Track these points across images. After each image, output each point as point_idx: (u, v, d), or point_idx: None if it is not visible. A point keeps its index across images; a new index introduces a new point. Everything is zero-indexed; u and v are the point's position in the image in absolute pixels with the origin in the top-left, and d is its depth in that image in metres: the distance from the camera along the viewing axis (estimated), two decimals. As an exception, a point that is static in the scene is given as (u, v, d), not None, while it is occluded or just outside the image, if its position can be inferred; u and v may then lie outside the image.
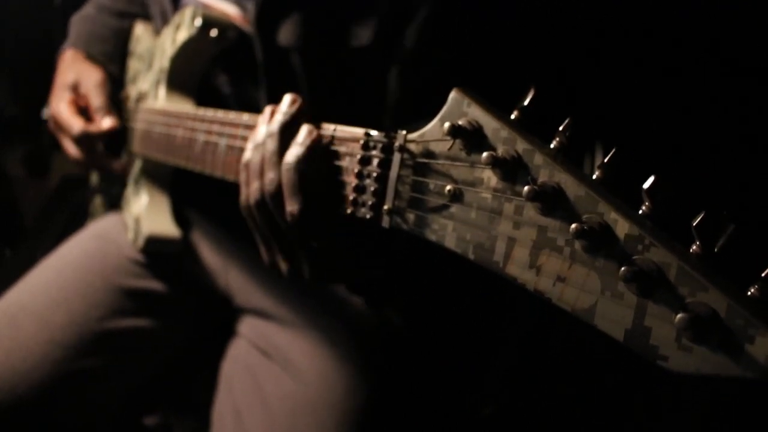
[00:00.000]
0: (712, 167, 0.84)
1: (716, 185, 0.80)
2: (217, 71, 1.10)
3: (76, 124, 1.12)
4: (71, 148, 1.18)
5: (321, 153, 0.61)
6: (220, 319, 1.14)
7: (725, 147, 0.87)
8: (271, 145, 0.64)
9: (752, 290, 0.38)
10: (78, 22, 1.27)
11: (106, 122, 1.13)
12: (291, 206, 0.61)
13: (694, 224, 0.39)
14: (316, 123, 0.64)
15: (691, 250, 0.40)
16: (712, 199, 0.44)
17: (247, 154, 0.68)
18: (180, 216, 1.14)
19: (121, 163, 1.20)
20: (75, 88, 1.18)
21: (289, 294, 1.07)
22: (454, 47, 0.91)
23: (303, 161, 0.60)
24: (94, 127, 1.13)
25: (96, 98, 1.16)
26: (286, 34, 0.92)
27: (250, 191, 0.68)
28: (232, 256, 1.13)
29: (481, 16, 0.90)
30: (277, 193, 0.64)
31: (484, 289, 1.16)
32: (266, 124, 0.67)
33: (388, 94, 0.92)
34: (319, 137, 0.62)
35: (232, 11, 1.02)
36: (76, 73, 1.19)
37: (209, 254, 1.14)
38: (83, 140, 1.13)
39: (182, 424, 1.26)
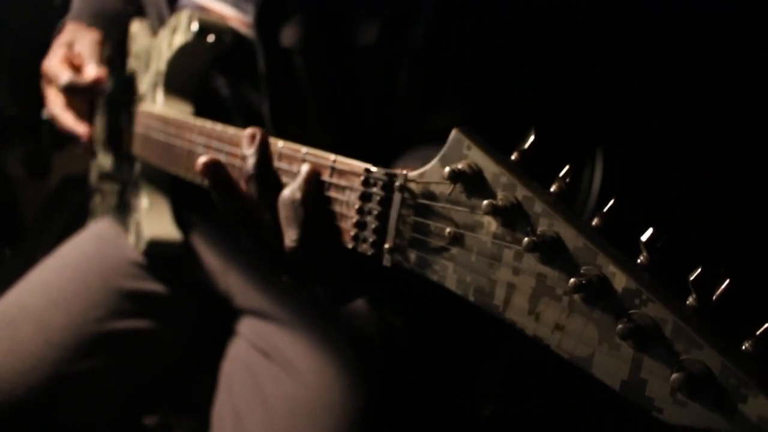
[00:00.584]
0: (709, 218, 0.85)
1: (714, 237, 0.81)
2: (215, 73, 1.09)
3: (64, 73, 1.11)
4: (53, 103, 1.16)
5: (318, 186, 0.62)
6: (220, 320, 1.15)
7: (723, 196, 0.88)
8: (255, 190, 0.66)
9: (746, 345, 0.39)
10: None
11: (93, 71, 1.11)
12: (288, 239, 0.62)
13: (691, 279, 0.40)
14: (315, 150, 0.64)
15: (687, 303, 0.41)
16: (708, 251, 0.44)
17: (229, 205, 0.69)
18: (179, 218, 1.14)
19: (87, 131, 1.18)
20: (70, 46, 1.17)
21: (289, 295, 1.08)
22: (460, 44, 0.90)
23: (299, 194, 0.61)
24: (81, 78, 1.11)
25: (88, 51, 1.15)
26: (289, 35, 0.91)
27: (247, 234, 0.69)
28: (232, 258, 1.14)
29: (488, 13, 0.89)
30: (276, 231, 0.64)
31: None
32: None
33: (395, 94, 0.92)
34: (316, 171, 0.62)
35: (229, 13, 1.01)
36: (72, 34, 1.19)
37: (209, 256, 1.15)
38: (68, 92, 1.12)
39: (182, 424, 1.27)
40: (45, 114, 1.19)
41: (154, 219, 1.10)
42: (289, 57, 0.93)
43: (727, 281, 0.40)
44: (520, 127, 0.49)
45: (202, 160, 0.68)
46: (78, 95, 1.14)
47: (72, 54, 1.16)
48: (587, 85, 1.04)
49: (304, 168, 0.61)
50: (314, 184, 0.61)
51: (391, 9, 0.87)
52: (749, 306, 0.41)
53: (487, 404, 1.30)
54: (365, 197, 0.56)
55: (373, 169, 0.56)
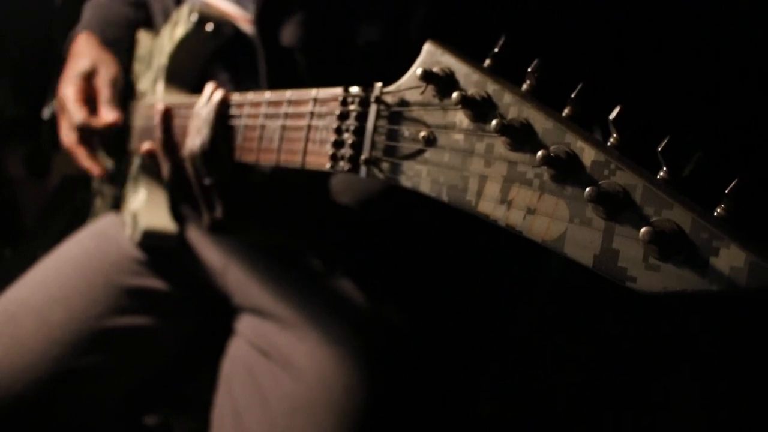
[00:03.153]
0: (679, 97, 0.84)
1: (685, 115, 0.80)
2: (218, 70, 1.11)
3: (79, 113, 1.11)
4: (66, 135, 1.18)
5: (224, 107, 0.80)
6: (219, 317, 1.14)
7: (693, 73, 0.87)
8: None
9: (718, 210, 0.38)
10: (91, 7, 1.28)
11: (110, 115, 1.12)
12: (191, 142, 0.79)
13: (660, 149, 0.40)
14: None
15: (658, 177, 0.40)
16: (680, 128, 0.44)
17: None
18: (179, 214, 1.15)
19: (101, 169, 1.20)
20: (88, 77, 1.17)
21: (288, 293, 1.07)
22: (461, 38, 0.91)
23: (207, 110, 0.80)
24: (96, 121, 1.12)
25: (105, 91, 1.15)
26: (289, 34, 0.92)
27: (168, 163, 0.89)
28: (231, 255, 1.13)
29: (486, 9, 0.91)
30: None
31: (484, 286, 1.16)
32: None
33: None
34: (225, 96, 0.81)
35: (233, 11, 1.04)
36: (92, 61, 1.18)
37: (208, 253, 1.15)
38: (81, 131, 1.13)
39: (182, 423, 1.25)
40: (45, 114, 1.22)
41: (151, 211, 1.11)
42: (289, 55, 0.94)
43: (698, 153, 0.39)
44: None
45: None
46: (91, 134, 1.16)
47: (89, 87, 1.17)
48: (587, 81, 1.05)
49: (217, 94, 0.82)
50: (222, 104, 0.80)
51: (390, 6, 0.88)
52: (722, 180, 0.40)
53: (487, 404, 1.26)
54: (343, 116, 0.56)
55: (352, 89, 0.56)
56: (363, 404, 0.95)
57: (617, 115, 0.42)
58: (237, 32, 1.02)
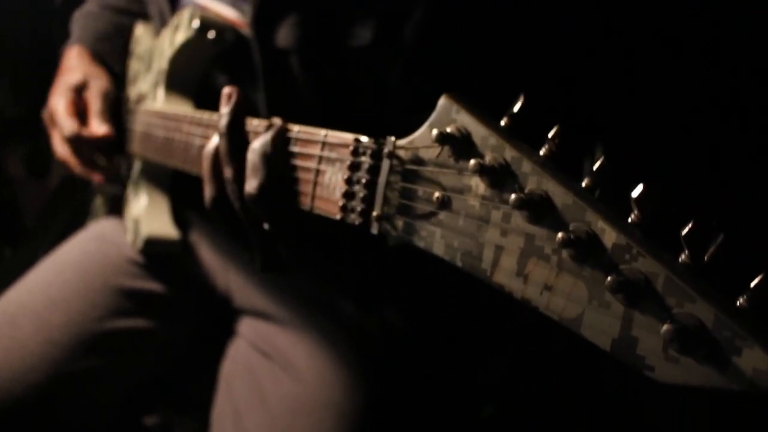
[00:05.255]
0: (703, 174, 0.83)
1: (707, 193, 0.79)
2: (216, 72, 1.10)
3: (69, 125, 1.11)
4: (59, 147, 1.17)
5: (284, 142, 0.67)
6: (220, 319, 1.14)
7: (718, 153, 0.87)
8: (224, 145, 0.71)
9: (741, 301, 0.38)
10: (81, 19, 1.27)
11: (101, 128, 1.11)
12: (250, 185, 0.66)
13: (683, 233, 0.39)
14: (305, 125, 0.65)
15: (679, 260, 0.39)
16: (702, 207, 0.43)
17: (205, 161, 0.74)
18: (180, 216, 1.14)
19: (101, 176, 1.19)
20: (79, 90, 1.16)
21: (289, 295, 1.07)
22: (454, 43, 0.90)
23: (267, 146, 0.66)
24: (86, 132, 1.11)
25: (96, 103, 1.14)
26: (285, 35, 0.92)
27: (210, 190, 0.75)
28: (232, 257, 1.13)
29: (480, 13, 0.89)
30: (236, 184, 0.69)
31: (483, 287, 1.16)
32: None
33: (390, 93, 0.92)
34: (283, 129, 0.67)
35: (229, 13, 1.02)
36: (83, 74, 1.18)
37: (209, 255, 1.15)
38: (73, 142, 1.12)
39: (182, 424, 1.26)
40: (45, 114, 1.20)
41: (153, 217, 1.10)
42: (285, 57, 0.93)
43: (721, 236, 0.39)
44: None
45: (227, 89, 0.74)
46: (83, 145, 1.14)
47: (80, 100, 1.16)
48: (583, 83, 1.03)
49: (276, 122, 0.67)
50: (278, 133, 0.67)
51: (384, 10, 0.87)
52: (744, 263, 0.40)
53: (487, 404, 1.27)
54: (354, 167, 0.55)
55: (363, 138, 0.55)
56: (363, 404, 0.96)
57: (640, 193, 0.41)
58: (237, 35, 1.01)
